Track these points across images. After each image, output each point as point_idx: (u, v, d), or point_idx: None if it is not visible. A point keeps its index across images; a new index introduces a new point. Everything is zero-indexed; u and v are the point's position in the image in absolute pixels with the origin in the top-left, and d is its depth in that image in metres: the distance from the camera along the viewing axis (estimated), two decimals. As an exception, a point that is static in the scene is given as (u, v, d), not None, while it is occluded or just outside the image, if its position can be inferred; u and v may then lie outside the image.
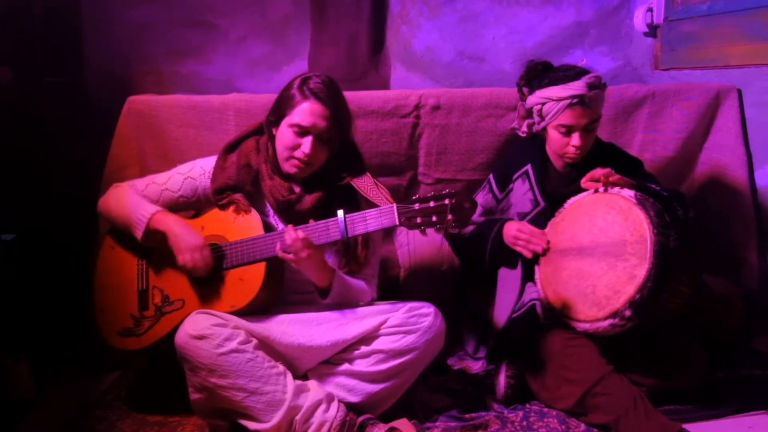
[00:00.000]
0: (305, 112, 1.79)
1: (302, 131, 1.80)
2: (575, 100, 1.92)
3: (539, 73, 2.04)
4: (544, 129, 2.04)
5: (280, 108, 1.84)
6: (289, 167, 1.84)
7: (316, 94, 1.80)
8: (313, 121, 1.79)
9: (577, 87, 1.93)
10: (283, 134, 1.83)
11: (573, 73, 1.97)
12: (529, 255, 1.99)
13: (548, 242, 1.96)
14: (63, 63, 2.39)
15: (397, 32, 2.85)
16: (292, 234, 1.69)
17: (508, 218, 2.11)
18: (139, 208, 1.83)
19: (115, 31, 2.61)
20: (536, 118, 2.04)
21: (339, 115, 1.82)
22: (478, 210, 2.19)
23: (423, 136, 2.47)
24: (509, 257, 2.06)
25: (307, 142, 1.79)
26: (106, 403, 1.98)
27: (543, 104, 1.99)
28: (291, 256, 1.70)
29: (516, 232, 2.00)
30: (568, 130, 1.97)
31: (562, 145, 2.01)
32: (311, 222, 1.73)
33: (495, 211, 2.22)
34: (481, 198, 2.24)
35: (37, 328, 2.15)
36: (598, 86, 1.95)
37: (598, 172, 1.89)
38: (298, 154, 1.80)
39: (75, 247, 2.18)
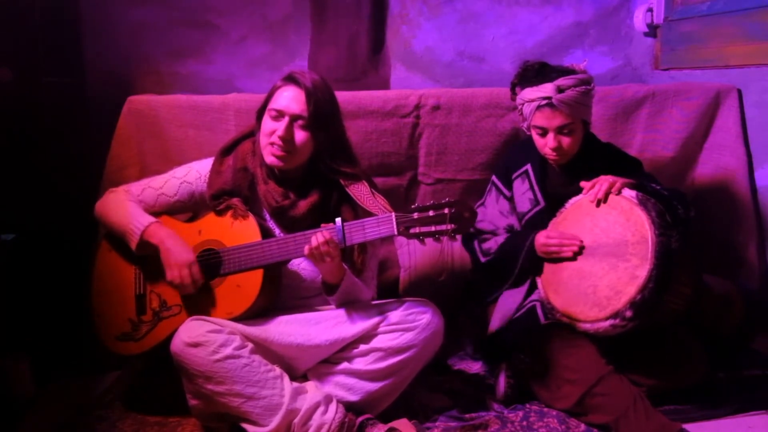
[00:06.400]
0: (281, 95, 1.80)
1: (278, 114, 1.78)
2: (543, 102, 1.92)
3: (528, 74, 2.03)
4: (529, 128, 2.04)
5: (265, 101, 1.84)
6: (268, 156, 1.80)
7: (294, 79, 1.80)
8: (287, 103, 1.78)
9: (545, 89, 1.92)
10: (264, 123, 1.81)
11: (551, 75, 1.94)
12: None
13: (581, 240, 1.89)
14: (63, 63, 2.39)
15: (397, 32, 2.85)
16: (320, 237, 1.67)
17: (534, 231, 2.03)
18: (133, 219, 1.80)
19: (115, 31, 2.61)
20: (521, 119, 2.05)
21: (318, 102, 1.78)
22: (499, 215, 2.15)
23: (423, 136, 2.46)
24: (539, 266, 2.00)
25: (281, 125, 1.77)
26: (106, 403, 1.97)
27: (522, 105, 2.00)
28: (316, 256, 1.68)
29: (545, 240, 1.95)
30: (542, 132, 1.98)
31: (541, 147, 2.02)
32: (308, 231, 1.71)
33: (512, 212, 2.16)
34: (497, 203, 2.18)
35: (37, 328, 2.15)
36: (572, 87, 1.90)
37: (603, 183, 1.87)
38: (273, 138, 1.78)
39: (75, 246, 2.18)
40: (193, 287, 1.75)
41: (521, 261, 2.00)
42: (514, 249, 2.03)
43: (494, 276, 2.11)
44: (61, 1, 2.39)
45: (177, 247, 1.76)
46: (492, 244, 2.10)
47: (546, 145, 1.98)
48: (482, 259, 2.12)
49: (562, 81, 1.91)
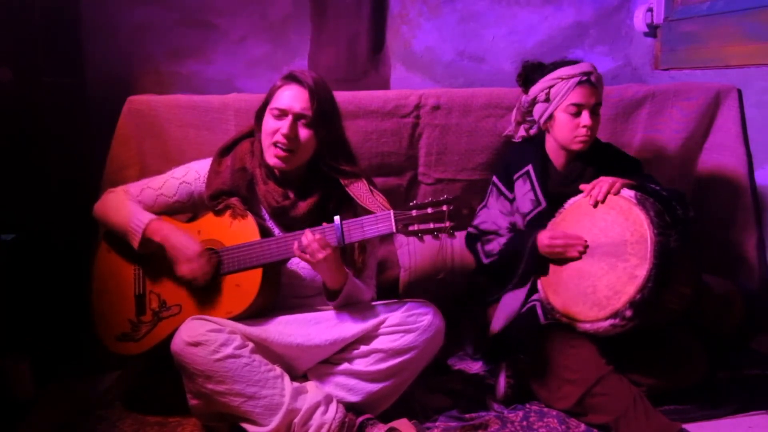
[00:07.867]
0: (283, 94, 1.80)
1: (281, 113, 1.78)
2: (584, 78, 1.98)
3: (537, 68, 2.09)
4: (550, 117, 2.04)
5: (265, 101, 1.84)
6: (270, 156, 1.80)
7: (296, 77, 1.80)
8: (290, 101, 1.78)
9: (584, 66, 2.02)
10: (266, 123, 1.81)
11: (574, 58, 2.09)
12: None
13: (585, 240, 1.90)
14: (63, 63, 2.39)
15: (397, 32, 2.85)
16: (309, 236, 1.67)
17: (535, 230, 2.02)
18: (134, 217, 1.80)
19: (115, 31, 2.61)
20: (540, 108, 2.05)
21: (321, 100, 1.78)
22: (500, 214, 2.15)
23: (423, 136, 2.46)
24: (542, 266, 2.00)
25: (285, 124, 1.77)
26: (106, 403, 1.97)
27: (551, 87, 2.01)
28: (308, 257, 1.68)
29: (549, 241, 1.94)
30: (578, 110, 1.99)
31: (572, 128, 2.01)
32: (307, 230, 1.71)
33: (513, 212, 2.16)
34: (496, 204, 2.18)
35: (37, 328, 2.15)
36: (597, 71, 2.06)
37: (603, 185, 1.88)
38: (277, 137, 1.77)
39: (75, 246, 2.18)
40: (204, 279, 1.75)
41: (524, 262, 1.99)
42: (516, 250, 2.02)
43: (497, 277, 2.11)
44: (61, 1, 2.40)
45: (183, 240, 1.76)
46: (495, 245, 2.10)
47: (580, 124, 1.99)
48: (485, 261, 2.12)
49: (591, 62, 2.06)
